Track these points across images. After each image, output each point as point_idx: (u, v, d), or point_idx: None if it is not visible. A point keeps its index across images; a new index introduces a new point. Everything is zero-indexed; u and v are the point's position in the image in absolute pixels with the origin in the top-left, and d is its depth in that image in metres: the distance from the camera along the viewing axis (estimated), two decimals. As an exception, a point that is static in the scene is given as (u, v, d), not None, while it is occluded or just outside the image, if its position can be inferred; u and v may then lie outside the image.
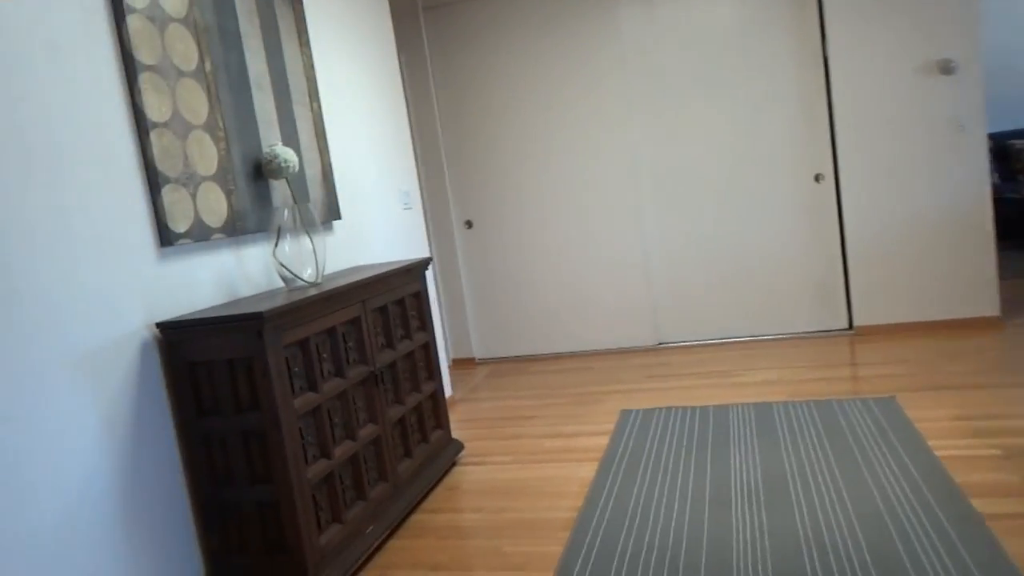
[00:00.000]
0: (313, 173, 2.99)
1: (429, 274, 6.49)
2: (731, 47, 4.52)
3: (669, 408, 3.56)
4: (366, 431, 2.54)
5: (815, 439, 2.93)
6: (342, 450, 2.37)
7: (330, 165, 3.12)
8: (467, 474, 3.10)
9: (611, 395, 3.94)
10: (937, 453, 2.68)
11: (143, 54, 2.17)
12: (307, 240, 2.55)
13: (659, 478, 2.77)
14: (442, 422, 3.16)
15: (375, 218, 3.58)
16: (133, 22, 2.15)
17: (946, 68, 4.21)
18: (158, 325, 2.10)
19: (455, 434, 3.64)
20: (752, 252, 4.66)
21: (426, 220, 5.12)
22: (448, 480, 3.06)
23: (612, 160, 4.77)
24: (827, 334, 4.58)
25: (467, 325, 5.15)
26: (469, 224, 5.10)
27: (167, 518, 2.09)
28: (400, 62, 4.95)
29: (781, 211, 4.59)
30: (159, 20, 2.25)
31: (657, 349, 4.83)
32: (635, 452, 3.05)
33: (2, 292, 1.69)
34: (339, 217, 3.14)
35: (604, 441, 3.26)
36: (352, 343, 2.53)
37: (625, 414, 3.57)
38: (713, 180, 4.66)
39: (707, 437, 3.11)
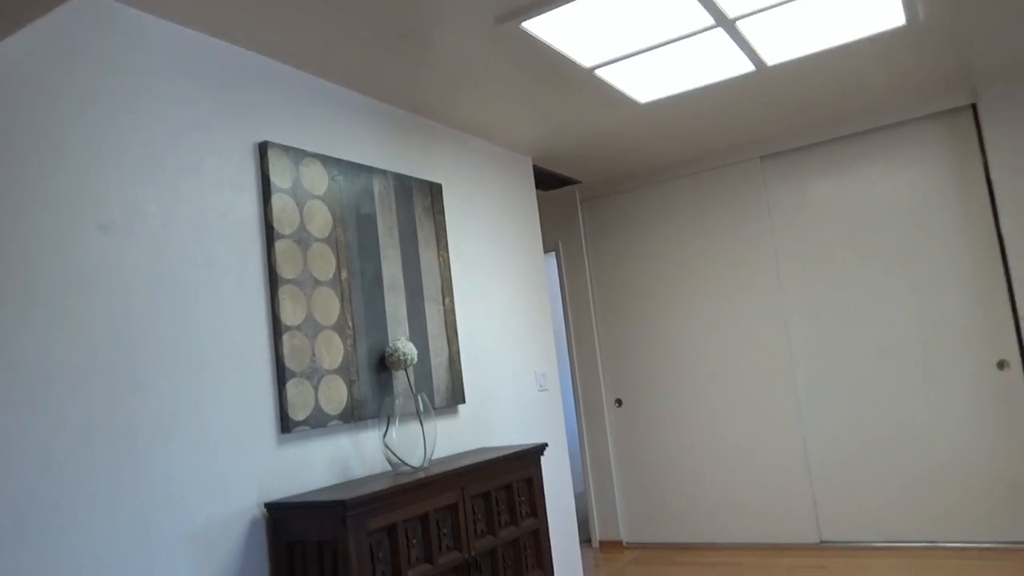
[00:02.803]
0: (439, 362, 3.28)
1: (574, 453, 6.50)
2: (891, 226, 4.36)
3: (807, 622, 3.21)
4: (454, 620, 2.59)
5: None
6: (424, 638, 2.44)
7: (458, 354, 3.40)
8: (570, 675, 2.99)
9: (750, 599, 3.63)
10: None
11: (285, 270, 2.62)
12: (422, 425, 2.79)
13: None
14: (550, 614, 3.11)
15: (504, 401, 3.78)
16: (281, 245, 2.63)
17: None
18: (266, 505, 2.38)
19: (576, 627, 3.54)
20: (928, 447, 4.21)
21: (576, 400, 5.24)
22: None
23: (765, 345, 4.65)
24: (1021, 546, 3.93)
25: (615, 507, 5.05)
26: (619, 402, 5.14)
27: None
28: (558, 250, 5.33)
29: (960, 400, 4.15)
30: (304, 241, 2.73)
31: (819, 548, 4.40)
32: (752, 672, 2.78)
33: (133, 475, 2.06)
34: (463, 401, 3.38)
35: (724, 654, 3.00)
36: (447, 529, 2.66)
37: (757, 624, 3.27)
38: (877, 364, 4.36)
39: (838, 664, 2.76)
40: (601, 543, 5.09)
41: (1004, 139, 4.03)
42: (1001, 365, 4.08)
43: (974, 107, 4.17)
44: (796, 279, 4.60)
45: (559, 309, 6.70)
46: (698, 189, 4.91)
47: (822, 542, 4.46)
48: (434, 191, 3.45)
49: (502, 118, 3.69)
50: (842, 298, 4.47)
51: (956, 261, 4.19)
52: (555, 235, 5.37)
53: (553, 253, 5.42)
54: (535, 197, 4.38)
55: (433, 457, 3.18)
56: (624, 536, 5.05)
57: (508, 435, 3.76)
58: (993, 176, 4.06)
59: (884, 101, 4.18)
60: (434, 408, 3.20)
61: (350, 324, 2.84)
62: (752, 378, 4.68)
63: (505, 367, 3.84)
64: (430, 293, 3.31)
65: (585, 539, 5.29)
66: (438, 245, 3.42)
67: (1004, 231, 4.02)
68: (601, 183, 5.20)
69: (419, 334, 3.20)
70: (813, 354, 4.54)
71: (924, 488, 4.21)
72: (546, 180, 4.95)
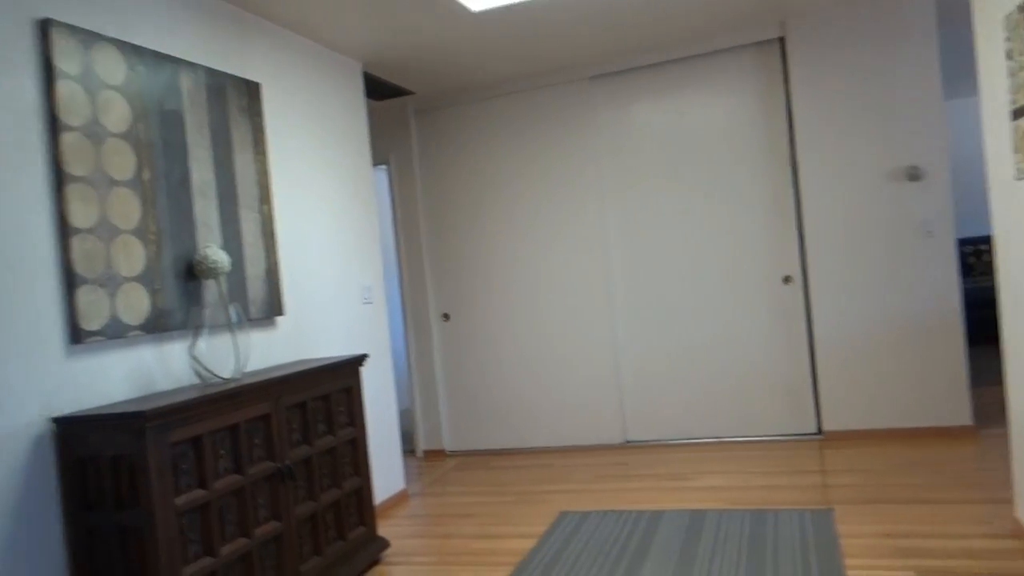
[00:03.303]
0: (256, 272, 3.16)
1: (404, 367, 6.60)
2: (703, 150, 4.65)
3: (606, 512, 3.52)
4: (266, 528, 2.60)
5: (735, 554, 2.87)
6: (232, 548, 2.43)
7: (277, 264, 3.29)
8: (383, 574, 3.10)
9: (558, 495, 3.92)
10: (850, 574, 2.60)
11: (74, 167, 2.38)
12: (234, 337, 2.69)
13: (565, 587, 2.74)
14: (366, 519, 3.20)
15: (328, 313, 3.72)
16: (68, 139, 2.37)
17: (915, 174, 4.26)
18: (54, 419, 2.23)
19: (394, 530, 3.66)
20: (722, 353, 4.66)
21: (405, 314, 5.27)
22: (366, 579, 3.07)
23: (586, 259, 4.87)
24: (795, 439, 4.50)
25: (440, 417, 5.20)
26: (446, 317, 5.22)
27: (46, 608, 2.16)
28: (390, 163, 5.21)
29: (751, 312, 4.60)
30: (97, 136, 2.48)
31: (623, 448, 4.80)
32: (552, 559, 3.03)
33: None
34: (282, 313, 3.29)
35: (530, 545, 3.23)
36: (259, 439, 2.62)
37: (562, 516, 3.54)
38: (684, 279, 4.71)
39: (629, 546, 3.07)
40: (425, 452, 5.25)
41: (806, 73, 4.37)
42: (786, 280, 4.55)
43: (782, 40, 4.47)
44: (617, 198, 4.82)
45: (390, 223, 6.62)
46: (531, 106, 4.96)
47: (627, 442, 4.86)
48: (252, 91, 3.23)
49: (329, 16, 3.50)
50: (656, 217, 4.75)
51: (757, 185, 4.56)
52: (387, 147, 5.24)
53: (385, 166, 5.31)
54: (365, 105, 4.24)
55: (248, 369, 3.10)
56: (447, 445, 5.23)
57: (331, 348, 3.73)
58: (794, 108, 4.41)
59: (703, 29, 4.38)
60: (250, 320, 3.10)
61: (153, 229, 2.65)
62: (572, 292, 4.91)
63: (329, 279, 3.77)
64: (246, 200, 3.14)
65: (410, 450, 5.43)
66: (255, 149, 3.23)
67: (798, 159, 4.41)
68: (435, 95, 5.11)
69: (233, 242, 3.05)
70: (628, 270, 4.82)
71: (716, 390, 4.67)
72: (378, 89, 4.78)
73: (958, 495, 3.24)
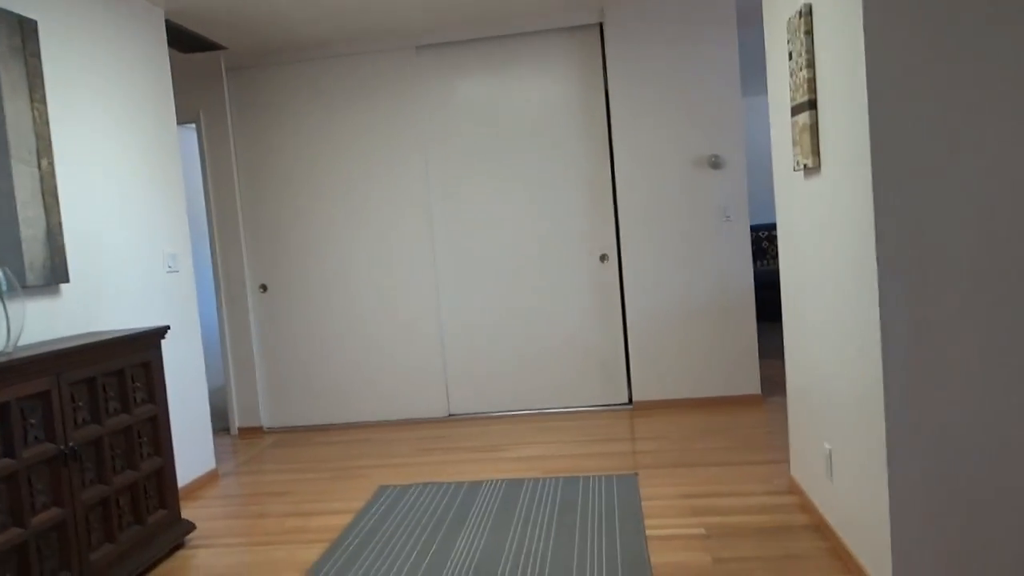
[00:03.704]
0: (33, 233, 2.81)
1: (216, 340, 6.25)
2: (527, 129, 4.72)
3: (426, 484, 3.52)
4: (45, 516, 2.34)
5: (545, 519, 2.98)
6: (2, 539, 2.17)
7: (60, 225, 2.94)
8: (188, 559, 2.91)
9: (378, 469, 3.87)
10: (649, 532, 2.78)
11: None
12: (3, 305, 2.37)
13: (377, 563, 2.71)
14: (168, 501, 2.98)
15: (124, 282, 3.40)
16: None
17: (716, 163, 4.58)
18: None
19: (202, 511, 3.44)
20: (542, 328, 4.79)
21: (217, 284, 4.95)
22: (164, 566, 2.86)
23: (409, 234, 4.81)
24: (609, 409, 4.74)
25: (256, 393, 4.96)
26: (264, 288, 4.96)
27: None
28: (199, 122, 4.84)
29: (569, 288, 4.76)
30: None
31: (446, 421, 4.82)
32: (369, 533, 2.98)
33: None
34: (67, 280, 2.96)
35: (347, 520, 3.17)
36: (35, 419, 2.35)
37: (381, 490, 3.50)
38: (506, 257, 4.78)
39: (447, 516, 3.09)
40: (241, 430, 4.99)
41: (621, 61, 4.55)
42: (603, 258, 4.75)
43: (601, 26, 4.63)
44: (440, 172, 4.79)
45: (200, 186, 6.17)
46: (354, 73, 4.79)
47: (450, 415, 4.89)
48: (25, 28, 2.85)
49: (122, -47, 3.15)
50: (478, 193, 4.78)
51: (575, 165, 4.71)
52: (196, 104, 4.86)
53: (193, 125, 4.92)
54: (167, 56, 3.89)
55: (23, 343, 2.76)
56: (265, 422, 5.00)
57: (130, 320, 3.42)
58: (610, 93, 4.59)
59: (529, 8, 4.43)
60: (26, 287, 2.75)
61: None
62: (395, 266, 4.84)
63: (126, 245, 3.44)
64: (19, 152, 2.78)
65: (223, 428, 5.13)
66: (32, 96, 2.86)
67: (614, 141, 4.60)
68: (250, 53, 4.79)
69: (3, 199, 2.69)
70: (450, 244, 4.82)
71: (537, 364, 4.81)
72: (184, 40, 4.40)
73: (746, 457, 3.56)
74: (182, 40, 4.38)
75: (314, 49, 4.77)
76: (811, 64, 2.41)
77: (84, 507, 2.52)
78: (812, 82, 2.42)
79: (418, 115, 4.76)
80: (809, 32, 2.40)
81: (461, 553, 2.72)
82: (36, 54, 2.89)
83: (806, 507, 2.86)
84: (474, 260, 4.81)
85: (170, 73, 3.83)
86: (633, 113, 4.57)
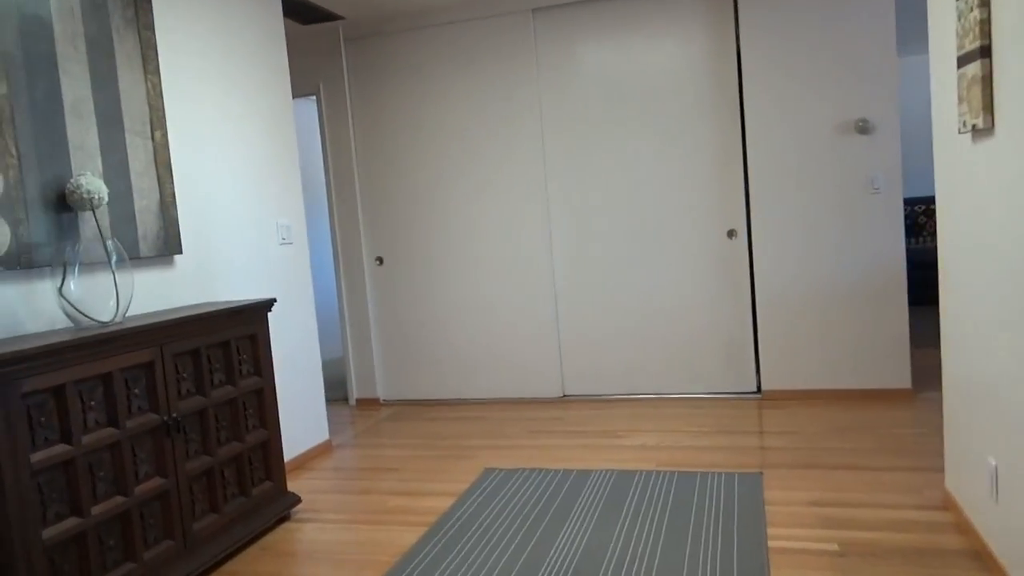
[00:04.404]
0: (147, 204, 2.85)
1: (335, 312, 6.34)
2: (649, 95, 4.39)
3: (532, 469, 3.37)
4: (148, 485, 2.36)
5: (656, 518, 2.74)
6: (105, 507, 2.20)
7: (173, 197, 2.98)
8: (291, 531, 2.91)
9: (486, 450, 3.75)
10: (771, 543, 2.48)
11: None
12: (115, 276, 2.40)
13: (475, 552, 2.58)
14: (273, 474, 2.98)
15: (238, 253, 3.43)
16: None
17: (864, 127, 4.08)
18: None
19: (311, 483, 3.46)
20: (662, 307, 4.50)
21: (336, 257, 4.99)
22: (268, 538, 2.87)
23: (525, 205, 4.63)
24: (734, 397, 4.39)
25: (373, 365, 4.98)
26: (380, 260, 4.96)
27: None
28: (319, 94, 4.86)
29: (693, 266, 4.43)
30: (-61, 40, 2.13)
31: (560, 401, 4.65)
32: (470, 519, 2.86)
33: None
34: (180, 251, 3.00)
35: (449, 504, 3.06)
36: (139, 389, 2.37)
37: (487, 473, 3.38)
38: (625, 232, 4.51)
39: (551, 507, 2.91)
40: (358, 400, 5.04)
41: (757, 19, 4.12)
42: (731, 234, 4.37)
43: (737, -19, 4.21)
44: (557, 140, 4.56)
45: (319, 159, 6.26)
46: (469, 38, 4.63)
47: (564, 396, 4.71)
48: (140, 0, 2.87)
49: (234, -78, 3.12)
50: (598, 162, 4.51)
51: (703, 134, 4.34)
52: (315, 77, 4.88)
53: (313, 97, 4.95)
54: (283, 27, 3.88)
55: (138, 312, 2.82)
56: (381, 394, 5.02)
57: (243, 291, 3.45)
58: (743, 54, 4.18)
59: (656, -38, 4.08)
60: (140, 258, 2.80)
61: (13, 151, 2.33)
62: (511, 239, 4.68)
63: (238, 217, 3.47)
64: (133, 124, 2.81)
65: (342, 398, 5.21)
66: (146, 68, 2.89)
67: (745, 108, 4.20)
68: (367, 21, 4.74)
69: (118, 170, 2.73)
70: (568, 216, 4.60)
71: (656, 345, 4.53)
72: (302, 11, 4.40)
73: (890, 462, 3.15)
74: (300, 11, 4.37)
75: (430, 15, 4.64)
76: (985, 2, 1.99)
77: (188, 477, 2.54)
78: (986, 23, 2.00)
79: (534, 81, 4.54)
80: (989, -38, 1.98)
81: (562, 550, 2.54)
82: (149, 26, 2.91)
83: (963, 528, 2.46)
84: (592, 234, 4.57)
85: (285, 44, 3.82)
86: (769, 74, 4.14)
